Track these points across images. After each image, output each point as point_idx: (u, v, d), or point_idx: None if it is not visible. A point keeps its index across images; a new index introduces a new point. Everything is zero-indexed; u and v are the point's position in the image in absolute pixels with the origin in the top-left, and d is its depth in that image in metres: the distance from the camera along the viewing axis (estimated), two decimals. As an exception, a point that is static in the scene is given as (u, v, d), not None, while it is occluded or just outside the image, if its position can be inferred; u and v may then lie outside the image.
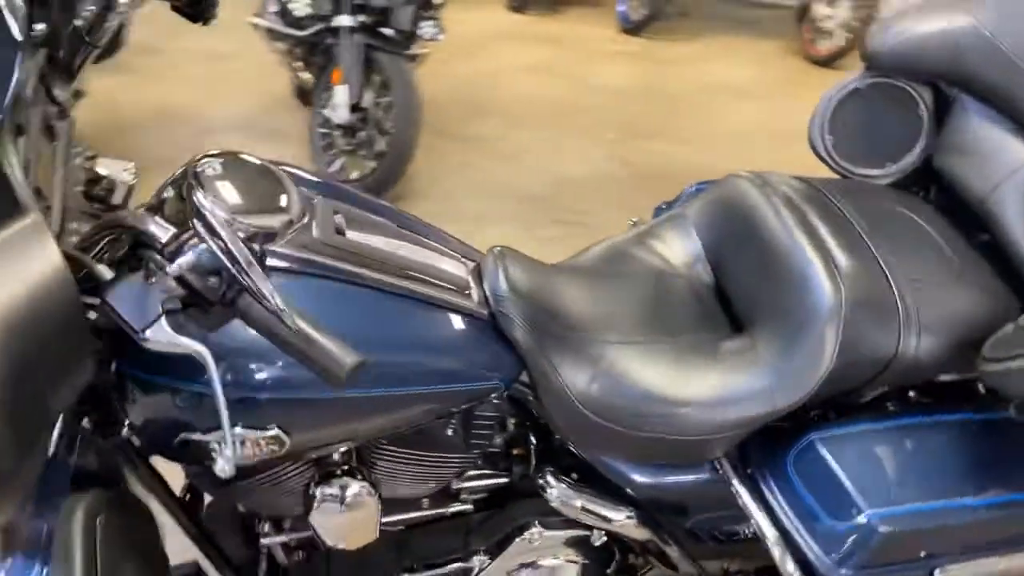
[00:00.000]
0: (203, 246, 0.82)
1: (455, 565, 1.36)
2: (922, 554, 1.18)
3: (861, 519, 1.13)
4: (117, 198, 1.02)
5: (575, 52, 5.56)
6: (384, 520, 1.36)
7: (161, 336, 0.85)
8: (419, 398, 1.12)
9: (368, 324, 1.08)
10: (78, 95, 3.76)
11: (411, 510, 1.37)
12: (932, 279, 1.22)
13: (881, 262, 1.21)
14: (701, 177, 1.55)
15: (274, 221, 1.02)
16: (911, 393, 1.30)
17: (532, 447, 1.35)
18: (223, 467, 0.89)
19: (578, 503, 1.30)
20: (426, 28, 3.42)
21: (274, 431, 1.02)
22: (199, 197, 0.85)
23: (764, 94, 4.99)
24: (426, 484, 1.31)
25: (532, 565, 1.36)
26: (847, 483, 1.15)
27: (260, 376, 1.01)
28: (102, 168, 1.00)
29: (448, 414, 1.24)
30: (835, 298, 1.14)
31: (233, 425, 1.00)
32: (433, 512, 1.37)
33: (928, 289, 1.20)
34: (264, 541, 1.32)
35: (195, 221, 0.81)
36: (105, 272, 0.83)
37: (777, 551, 1.21)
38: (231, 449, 0.88)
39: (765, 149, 3.64)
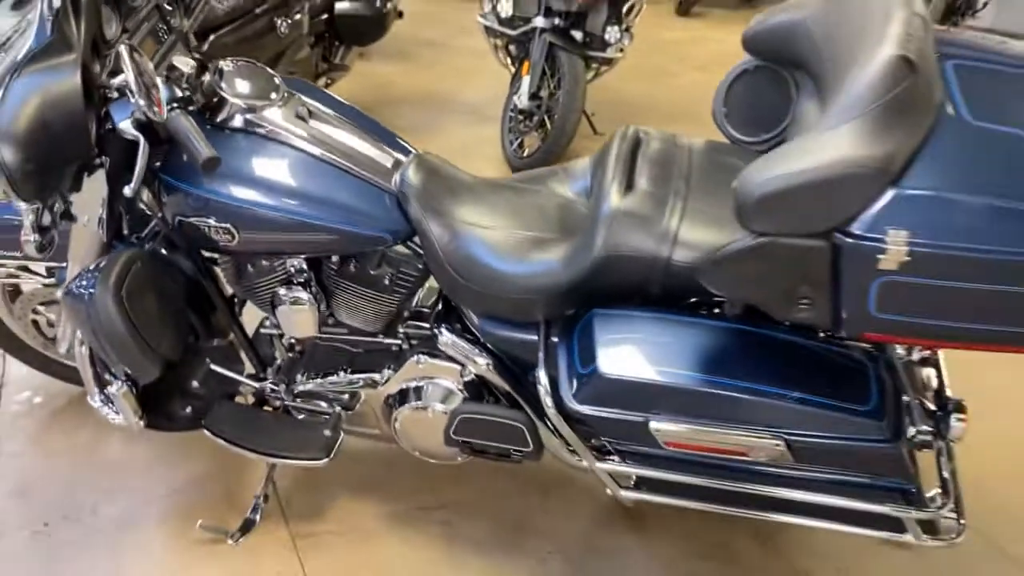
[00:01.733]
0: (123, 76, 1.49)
1: (374, 375, 1.92)
2: (642, 405, 1.51)
3: (595, 366, 1.51)
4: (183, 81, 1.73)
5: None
6: (345, 338, 1.97)
7: (126, 128, 1.53)
8: (325, 229, 1.68)
9: (294, 174, 1.67)
10: (343, 69, 4.81)
11: (364, 336, 1.95)
12: (717, 212, 1.52)
13: (673, 191, 1.55)
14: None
15: (255, 103, 1.68)
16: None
17: (437, 305, 1.88)
18: (127, 190, 1.55)
19: (450, 342, 1.80)
20: (612, 33, 3.93)
21: (227, 225, 1.66)
22: (136, 65, 1.49)
23: None
24: (367, 314, 1.87)
25: (423, 380, 1.87)
26: (597, 341, 1.53)
27: (208, 183, 1.65)
28: (176, 62, 1.71)
29: (369, 256, 1.79)
30: (615, 206, 1.52)
31: (207, 217, 1.67)
32: (378, 341, 1.95)
33: (706, 219, 1.51)
34: (263, 331, 2.00)
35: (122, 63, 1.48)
36: (115, 95, 1.54)
37: (542, 389, 1.64)
38: (136, 184, 1.54)
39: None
